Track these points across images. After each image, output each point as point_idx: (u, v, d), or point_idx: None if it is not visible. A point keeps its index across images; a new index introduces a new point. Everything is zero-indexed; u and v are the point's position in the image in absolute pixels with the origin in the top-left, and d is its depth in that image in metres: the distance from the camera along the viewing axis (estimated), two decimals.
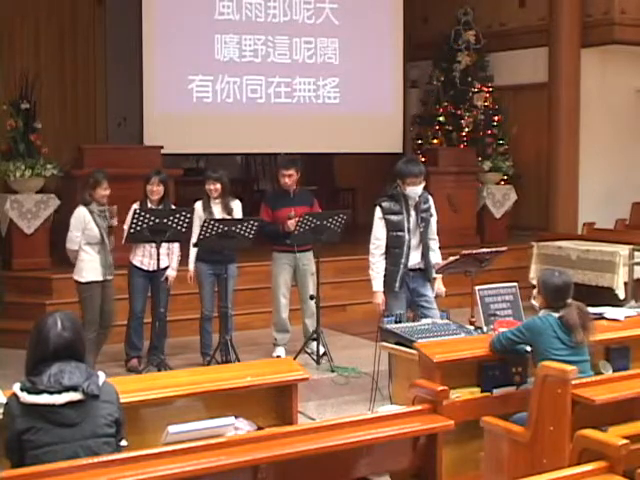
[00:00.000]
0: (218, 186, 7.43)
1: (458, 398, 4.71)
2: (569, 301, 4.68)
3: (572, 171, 11.56)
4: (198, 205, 7.42)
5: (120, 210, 7.11)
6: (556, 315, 4.66)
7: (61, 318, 3.36)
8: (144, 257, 7.28)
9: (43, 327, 3.33)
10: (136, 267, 7.31)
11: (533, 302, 4.92)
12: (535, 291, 4.90)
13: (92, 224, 6.89)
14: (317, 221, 7.35)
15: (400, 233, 6.41)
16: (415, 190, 6.38)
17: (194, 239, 7.24)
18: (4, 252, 8.85)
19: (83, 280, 6.95)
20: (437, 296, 6.59)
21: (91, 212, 6.91)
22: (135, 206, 7.23)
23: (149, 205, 7.23)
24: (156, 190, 7.26)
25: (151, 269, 7.27)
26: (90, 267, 6.92)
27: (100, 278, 6.94)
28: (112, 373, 4.42)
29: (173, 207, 7.32)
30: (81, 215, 6.92)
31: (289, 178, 7.58)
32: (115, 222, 7.01)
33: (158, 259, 7.07)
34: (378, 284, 6.45)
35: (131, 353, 7.48)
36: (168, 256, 7.31)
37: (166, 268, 7.31)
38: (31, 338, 3.37)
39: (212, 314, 7.53)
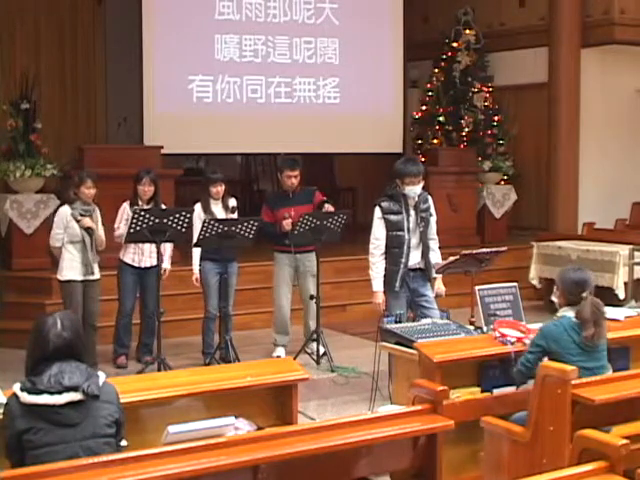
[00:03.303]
0: (223, 187, 7.47)
1: (458, 398, 4.70)
2: (585, 295, 4.60)
3: (572, 171, 11.56)
4: (198, 207, 7.41)
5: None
6: (572, 315, 4.57)
7: (61, 318, 3.36)
8: (135, 254, 7.33)
9: (43, 327, 3.33)
10: (127, 264, 7.35)
11: (554, 298, 4.85)
12: (555, 288, 4.79)
13: (73, 223, 6.98)
14: (317, 221, 7.34)
15: (400, 233, 6.41)
16: (414, 190, 6.38)
17: (195, 241, 7.25)
18: (4, 252, 8.86)
19: (62, 278, 7.05)
20: (437, 296, 6.58)
21: (74, 210, 6.97)
22: (125, 205, 7.32)
23: (140, 204, 7.26)
24: (148, 190, 7.30)
25: (142, 266, 7.33)
26: (70, 266, 7.00)
27: (80, 277, 7.01)
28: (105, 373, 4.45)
29: (163, 206, 7.34)
30: (62, 214, 7.04)
31: (295, 179, 7.59)
32: (88, 223, 6.98)
33: (159, 257, 7.07)
34: (378, 284, 6.46)
35: (119, 350, 7.52)
36: (159, 254, 7.28)
37: (156, 266, 7.28)
38: (31, 338, 3.37)
39: (217, 313, 7.53)
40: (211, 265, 7.44)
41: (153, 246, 7.22)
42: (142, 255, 7.33)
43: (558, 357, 4.48)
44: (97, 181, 7.12)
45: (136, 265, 7.35)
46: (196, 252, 7.38)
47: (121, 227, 7.24)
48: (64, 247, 7.01)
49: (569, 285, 4.65)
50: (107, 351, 7.56)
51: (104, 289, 7.34)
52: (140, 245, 7.25)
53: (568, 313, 4.61)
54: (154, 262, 7.29)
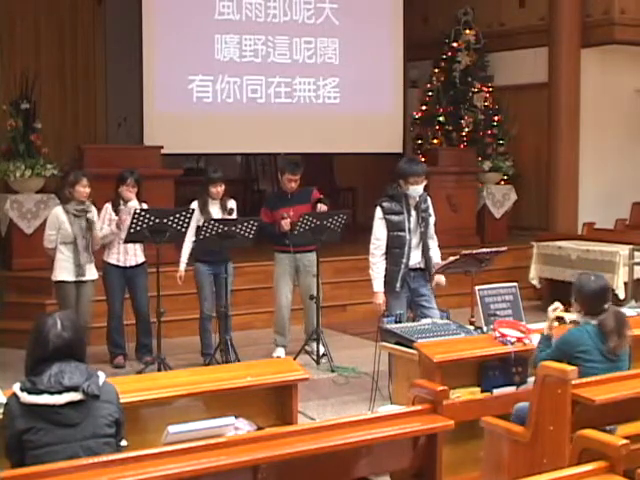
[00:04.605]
0: (223, 187, 7.46)
1: (458, 398, 4.71)
2: (606, 306, 4.51)
3: (572, 171, 11.56)
4: (194, 206, 7.39)
5: None
6: (594, 322, 4.48)
7: (61, 318, 3.36)
8: (119, 254, 7.33)
9: (43, 327, 3.33)
10: (112, 265, 7.35)
11: (572, 310, 4.73)
12: (572, 299, 4.66)
13: (66, 224, 6.98)
14: (317, 221, 7.34)
15: (401, 233, 6.41)
16: (417, 189, 6.38)
17: (189, 239, 7.25)
18: (4, 252, 8.86)
19: (54, 279, 7.07)
20: (437, 285, 6.58)
21: (67, 212, 6.99)
22: (108, 205, 7.31)
23: (121, 204, 7.26)
24: (132, 191, 7.29)
25: (128, 265, 7.34)
26: (62, 266, 7.01)
27: (72, 278, 7.00)
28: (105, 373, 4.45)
29: (145, 205, 7.31)
30: (54, 215, 7.06)
31: (295, 183, 7.60)
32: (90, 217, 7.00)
33: (158, 256, 7.06)
34: (378, 284, 6.45)
35: (115, 351, 7.52)
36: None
37: (142, 264, 7.34)
38: (31, 338, 3.37)
39: (212, 314, 7.54)
40: (204, 267, 7.44)
41: (137, 244, 7.23)
42: (127, 254, 7.33)
43: (581, 364, 4.36)
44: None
45: (121, 265, 7.35)
46: (185, 251, 7.37)
47: (104, 228, 7.23)
48: (57, 248, 7.01)
49: (589, 297, 4.54)
50: (104, 351, 7.55)
51: (97, 290, 7.31)
52: (123, 244, 7.24)
53: (591, 321, 4.51)
54: (139, 260, 7.35)
